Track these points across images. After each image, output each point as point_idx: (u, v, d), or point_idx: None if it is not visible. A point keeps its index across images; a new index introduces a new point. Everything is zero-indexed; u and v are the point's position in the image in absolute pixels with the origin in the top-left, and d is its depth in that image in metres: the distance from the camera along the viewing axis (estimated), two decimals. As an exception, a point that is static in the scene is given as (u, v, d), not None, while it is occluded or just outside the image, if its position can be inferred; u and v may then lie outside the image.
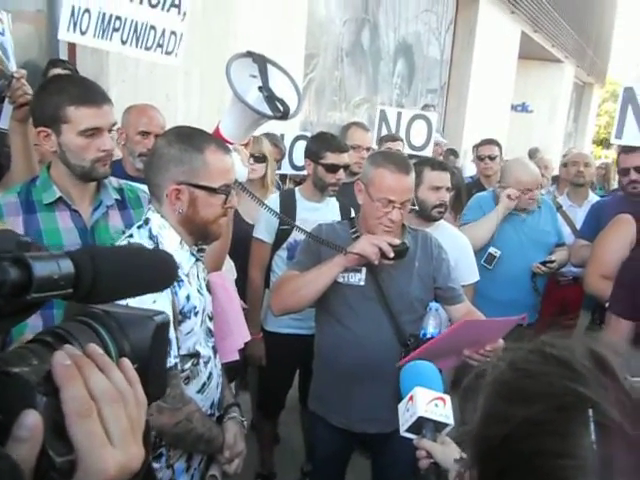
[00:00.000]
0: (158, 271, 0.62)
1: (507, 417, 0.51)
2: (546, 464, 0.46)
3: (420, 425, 1.17)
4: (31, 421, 0.46)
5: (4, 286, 0.46)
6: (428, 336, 1.92)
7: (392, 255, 1.83)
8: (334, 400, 2.06)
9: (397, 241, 1.87)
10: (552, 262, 3.07)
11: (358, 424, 2.04)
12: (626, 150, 3.36)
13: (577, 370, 0.49)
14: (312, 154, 2.75)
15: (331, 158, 2.68)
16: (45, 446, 0.47)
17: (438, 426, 1.17)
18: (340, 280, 1.96)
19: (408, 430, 1.20)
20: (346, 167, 2.74)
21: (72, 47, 3.28)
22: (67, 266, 0.50)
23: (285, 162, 3.76)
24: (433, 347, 1.74)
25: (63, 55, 3.37)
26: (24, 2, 3.22)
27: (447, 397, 1.20)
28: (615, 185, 5.37)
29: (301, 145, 3.66)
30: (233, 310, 1.86)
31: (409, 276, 2.01)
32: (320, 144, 2.76)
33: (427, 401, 1.18)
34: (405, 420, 1.20)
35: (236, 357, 1.84)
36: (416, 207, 2.61)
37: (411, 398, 1.20)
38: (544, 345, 0.54)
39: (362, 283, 1.98)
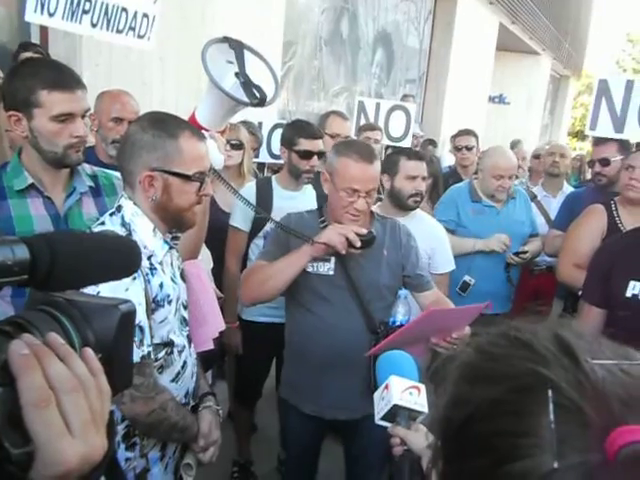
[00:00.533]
0: (120, 258, 0.61)
1: (469, 399, 0.52)
2: (504, 443, 0.47)
3: (395, 413, 1.19)
4: None
5: None
6: (397, 323, 1.94)
7: (359, 244, 1.84)
8: (305, 388, 2.08)
9: (364, 230, 1.88)
10: (525, 252, 3.11)
11: (329, 411, 2.07)
12: (596, 142, 3.42)
13: (539, 352, 0.50)
14: (286, 141, 2.74)
15: (304, 144, 2.66)
16: (1, 438, 0.46)
17: (412, 414, 1.19)
18: (309, 270, 1.97)
19: (383, 418, 1.21)
20: (320, 154, 2.73)
21: (44, 30, 3.21)
22: (22, 252, 0.49)
23: (263, 150, 3.74)
24: (401, 336, 1.77)
25: (35, 38, 3.30)
26: (-6, -16, 3.13)
27: (422, 386, 1.22)
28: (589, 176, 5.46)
29: (279, 133, 3.64)
30: (208, 299, 1.85)
31: (378, 264, 2.02)
32: (294, 131, 2.74)
33: (402, 390, 1.20)
34: (380, 408, 1.21)
35: (210, 346, 1.83)
36: (382, 195, 2.63)
37: (386, 387, 1.22)
38: (510, 329, 0.55)
39: (331, 272, 1.99)
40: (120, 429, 1.46)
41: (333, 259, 1.98)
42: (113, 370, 0.56)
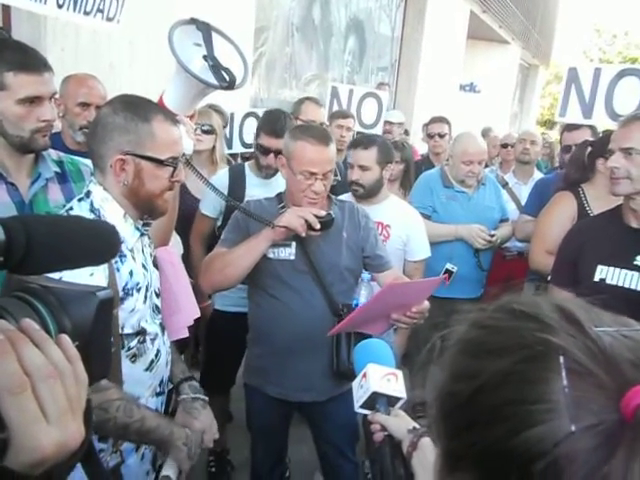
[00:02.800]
0: (98, 242, 0.60)
1: (475, 372, 0.52)
2: (518, 411, 0.48)
3: (374, 400, 1.19)
4: None
5: None
6: (360, 305, 1.97)
7: (318, 226, 1.87)
8: (269, 371, 2.10)
9: (322, 212, 1.91)
10: (492, 236, 3.15)
11: (294, 393, 2.09)
12: (569, 128, 3.48)
13: (545, 322, 0.51)
14: (256, 129, 2.72)
15: (264, 140, 2.61)
16: None
17: (391, 400, 1.19)
18: (271, 256, 1.99)
19: (362, 406, 1.21)
20: (278, 153, 2.70)
21: (6, 11, 3.09)
22: None
23: (236, 140, 3.69)
24: (362, 314, 1.80)
25: (-4, 21, 3.18)
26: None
27: (399, 372, 1.23)
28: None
29: (250, 122, 3.60)
30: (181, 286, 1.82)
31: (338, 247, 2.05)
32: (261, 123, 2.70)
33: (380, 377, 1.20)
34: (359, 397, 1.22)
35: (185, 334, 1.81)
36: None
37: (364, 375, 1.22)
38: (510, 303, 0.56)
39: (292, 257, 2.01)
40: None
41: (294, 244, 2.00)
42: (91, 358, 0.55)
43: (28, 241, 0.50)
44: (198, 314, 1.87)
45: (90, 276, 1.26)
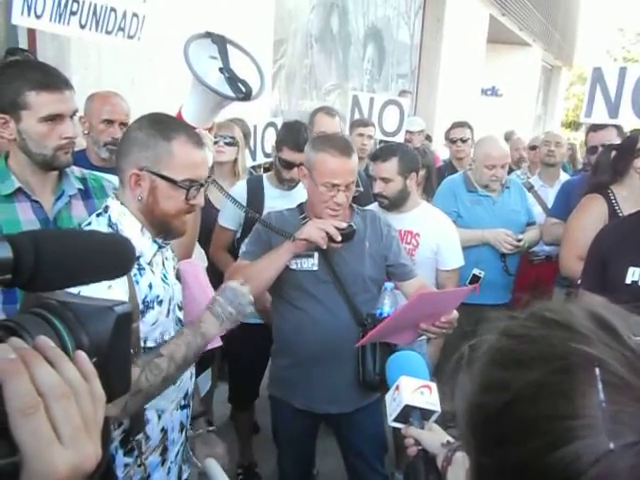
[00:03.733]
0: (112, 256, 0.58)
1: (507, 383, 0.50)
2: (554, 426, 0.45)
3: (407, 414, 1.17)
4: None
5: None
6: (384, 315, 1.96)
7: (339, 238, 1.85)
8: (295, 383, 2.08)
9: (344, 224, 1.89)
10: (519, 240, 3.09)
11: (320, 405, 2.07)
12: (594, 128, 3.41)
13: (580, 331, 0.49)
14: (275, 143, 2.70)
15: (286, 154, 2.59)
16: None
17: (425, 414, 1.17)
18: (293, 267, 1.98)
19: (396, 420, 1.19)
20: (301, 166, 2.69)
21: (32, 34, 3.18)
22: (4, 250, 0.47)
23: (259, 152, 3.70)
24: (390, 324, 1.78)
25: (23, 43, 3.26)
26: (-20, -10, 3.10)
27: (433, 384, 1.21)
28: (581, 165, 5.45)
29: (270, 132, 3.62)
30: (207, 298, 1.82)
31: (361, 257, 2.04)
32: (282, 136, 2.68)
33: (413, 389, 1.18)
34: (392, 410, 1.19)
35: (218, 343, 1.80)
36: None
37: (397, 388, 1.20)
38: (541, 310, 0.53)
39: (315, 268, 2.00)
40: (117, 435, 1.43)
41: (317, 255, 1.99)
42: (109, 374, 0.53)
43: (37, 258, 0.49)
44: None
45: (108, 289, 1.25)
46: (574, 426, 0.44)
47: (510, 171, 4.15)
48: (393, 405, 1.19)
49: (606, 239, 2.08)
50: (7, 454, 0.45)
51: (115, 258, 0.59)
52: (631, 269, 1.92)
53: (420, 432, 1.12)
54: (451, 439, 1.08)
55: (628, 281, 1.92)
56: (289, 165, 2.60)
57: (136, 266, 1.41)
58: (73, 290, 0.63)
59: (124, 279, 1.34)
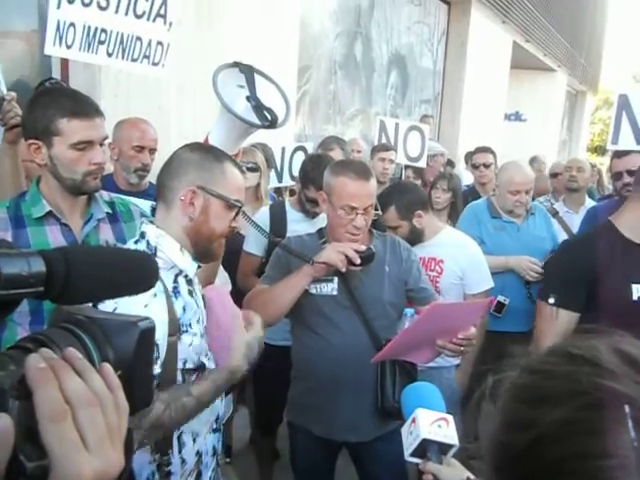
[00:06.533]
0: (137, 271, 0.61)
1: (532, 421, 0.48)
2: (583, 466, 0.44)
3: (425, 448, 1.13)
4: (1, 425, 0.44)
5: None
6: None
7: (358, 261, 1.85)
8: (314, 409, 2.06)
9: (363, 247, 1.90)
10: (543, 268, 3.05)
11: (339, 433, 2.05)
12: (618, 154, 3.38)
13: (606, 367, 0.48)
14: (301, 177, 2.70)
15: (312, 192, 2.58)
16: (16, 451, 0.46)
17: (443, 448, 1.13)
18: (313, 291, 1.98)
19: (413, 454, 1.15)
20: None
21: (65, 63, 3.29)
22: (38, 264, 0.49)
23: (286, 174, 3.73)
24: (405, 338, 1.76)
25: (56, 72, 3.37)
26: (17, 22, 3.23)
27: (450, 417, 1.17)
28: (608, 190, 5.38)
29: (299, 156, 3.65)
30: (232, 325, 1.82)
31: (380, 281, 2.03)
32: (309, 173, 2.61)
33: (430, 422, 1.14)
34: (409, 444, 1.15)
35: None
36: (380, 212, 2.62)
37: (414, 420, 1.16)
38: (564, 346, 0.52)
39: (335, 293, 2.00)
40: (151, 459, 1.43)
41: (336, 279, 1.99)
42: (132, 387, 0.56)
43: (68, 272, 0.51)
44: None
45: (144, 307, 1.29)
46: (605, 466, 0.42)
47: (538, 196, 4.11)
48: (410, 439, 1.15)
49: (592, 257, 1.93)
50: (36, 458, 0.47)
51: (140, 273, 0.61)
52: (634, 286, 1.86)
53: (439, 468, 1.09)
54: (471, 476, 1.04)
55: (635, 297, 1.85)
56: (316, 202, 2.61)
57: (173, 285, 1.43)
58: (109, 305, 0.64)
59: (162, 298, 1.36)
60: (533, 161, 6.62)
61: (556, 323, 1.96)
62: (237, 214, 1.48)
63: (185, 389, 1.39)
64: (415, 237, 2.55)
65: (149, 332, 0.59)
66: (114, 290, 0.59)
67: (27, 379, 0.47)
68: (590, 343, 0.51)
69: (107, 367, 0.53)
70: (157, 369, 1.36)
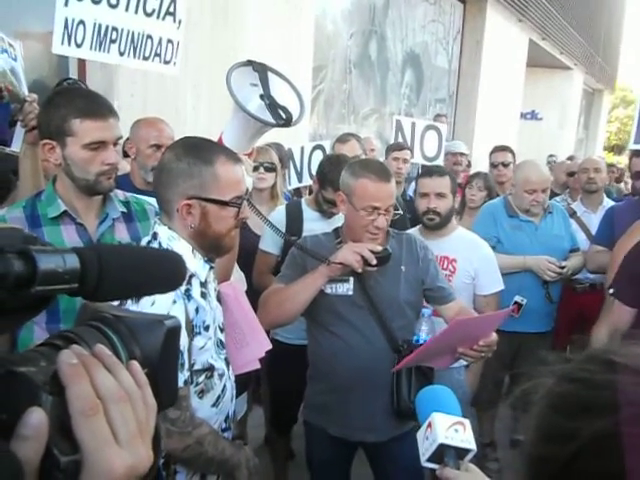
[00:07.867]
0: (166, 269, 0.62)
1: (571, 433, 0.46)
2: None
3: (441, 453, 1.10)
4: (35, 419, 0.45)
5: (8, 278, 0.46)
6: (421, 342, 1.93)
7: (375, 262, 1.84)
8: (330, 409, 2.06)
9: (379, 247, 1.88)
10: (562, 267, 3.01)
11: (356, 433, 2.04)
12: (637, 153, 3.32)
13: None
14: (319, 177, 2.68)
15: (330, 194, 2.55)
16: (50, 445, 0.46)
17: (460, 453, 1.10)
18: (329, 291, 1.98)
19: (429, 460, 1.12)
20: None
21: (82, 63, 3.31)
22: (73, 261, 0.50)
23: (305, 173, 3.70)
24: (426, 351, 1.75)
25: (73, 73, 3.41)
26: (35, 23, 3.26)
27: (466, 421, 1.14)
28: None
29: (317, 155, 3.62)
30: (247, 320, 1.82)
31: (397, 281, 2.02)
32: (327, 174, 2.58)
33: (446, 427, 1.12)
34: (425, 449, 1.12)
35: (256, 366, 1.79)
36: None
37: (429, 425, 1.13)
38: (605, 353, 0.50)
39: (350, 293, 1.99)
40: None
41: (352, 279, 1.98)
42: (158, 385, 0.56)
43: (100, 269, 0.52)
44: (269, 346, 1.83)
45: (173, 304, 1.31)
46: None
47: (552, 196, 4.05)
48: (426, 444, 1.12)
49: None
50: (69, 452, 0.48)
51: (169, 271, 0.62)
52: None
53: (457, 474, 1.06)
54: None
55: None
56: (333, 203, 2.60)
57: (185, 289, 1.42)
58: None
59: (181, 302, 1.37)
60: (550, 160, 6.54)
61: (613, 313, 2.07)
62: (241, 205, 1.45)
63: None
64: (448, 218, 2.58)
65: (175, 331, 0.59)
66: (145, 287, 0.60)
67: (59, 375, 0.48)
68: (632, 350, 0.49)
69: (135, 364, 0.54)
70: (186, 374, 1.37)
